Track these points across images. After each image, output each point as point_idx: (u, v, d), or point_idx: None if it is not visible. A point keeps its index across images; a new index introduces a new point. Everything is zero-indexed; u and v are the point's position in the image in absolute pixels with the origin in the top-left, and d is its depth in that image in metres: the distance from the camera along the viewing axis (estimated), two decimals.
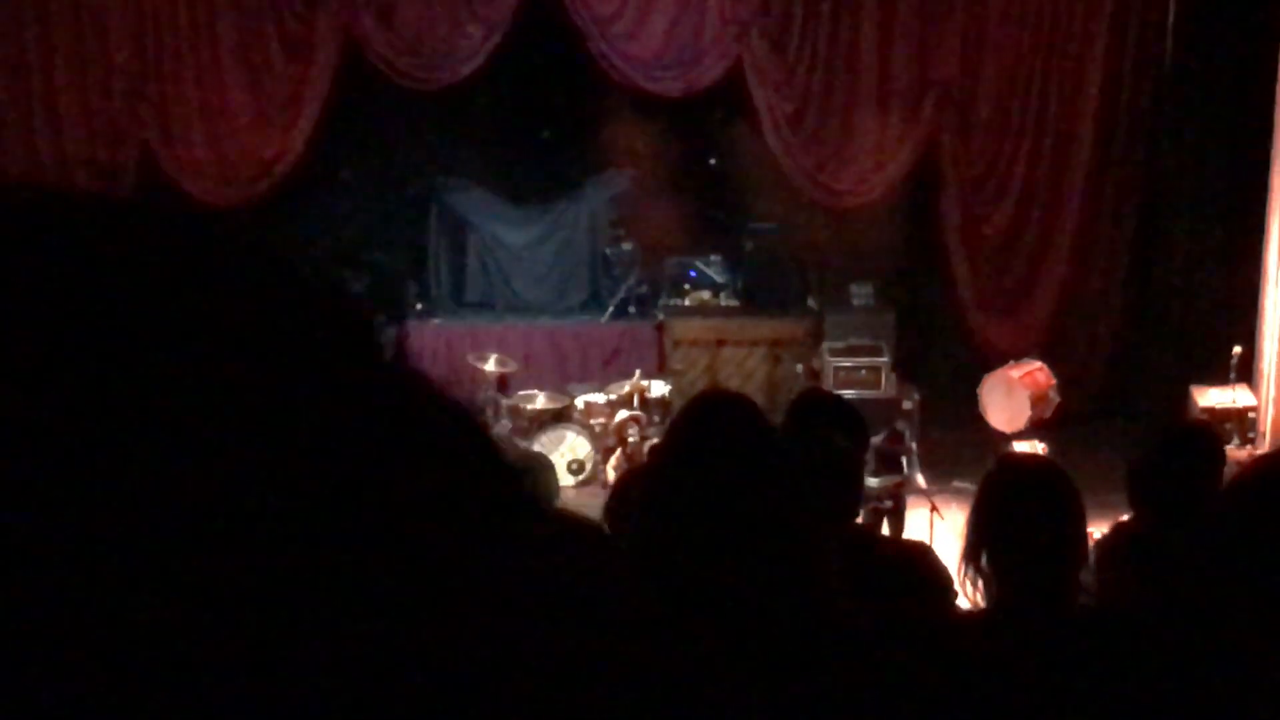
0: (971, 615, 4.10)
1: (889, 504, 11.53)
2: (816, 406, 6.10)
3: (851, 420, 5.86)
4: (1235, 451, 13.65)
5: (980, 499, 4.41)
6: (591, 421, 14.94)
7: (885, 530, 10.22)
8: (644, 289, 18.41)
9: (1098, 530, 7.99)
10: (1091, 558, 5.43)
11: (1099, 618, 4.21)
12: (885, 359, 16.57)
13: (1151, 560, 5.22)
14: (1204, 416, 14.21)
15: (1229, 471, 5.65)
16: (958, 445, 15.05)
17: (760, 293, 18.33)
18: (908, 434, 14.82)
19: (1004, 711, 3.28)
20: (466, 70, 16.91)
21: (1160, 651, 3.54)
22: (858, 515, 5.79)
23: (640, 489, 3.21)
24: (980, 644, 3.51)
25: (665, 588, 2.28)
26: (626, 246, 18.70)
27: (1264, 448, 14.65)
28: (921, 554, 5.36)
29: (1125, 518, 6.37)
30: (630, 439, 14.68)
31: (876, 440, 12.12)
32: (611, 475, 14.20)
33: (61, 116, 16.71)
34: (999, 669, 3.44)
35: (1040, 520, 4.18)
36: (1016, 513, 4.22)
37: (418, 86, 17.04)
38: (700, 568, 2.41)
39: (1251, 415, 14.71)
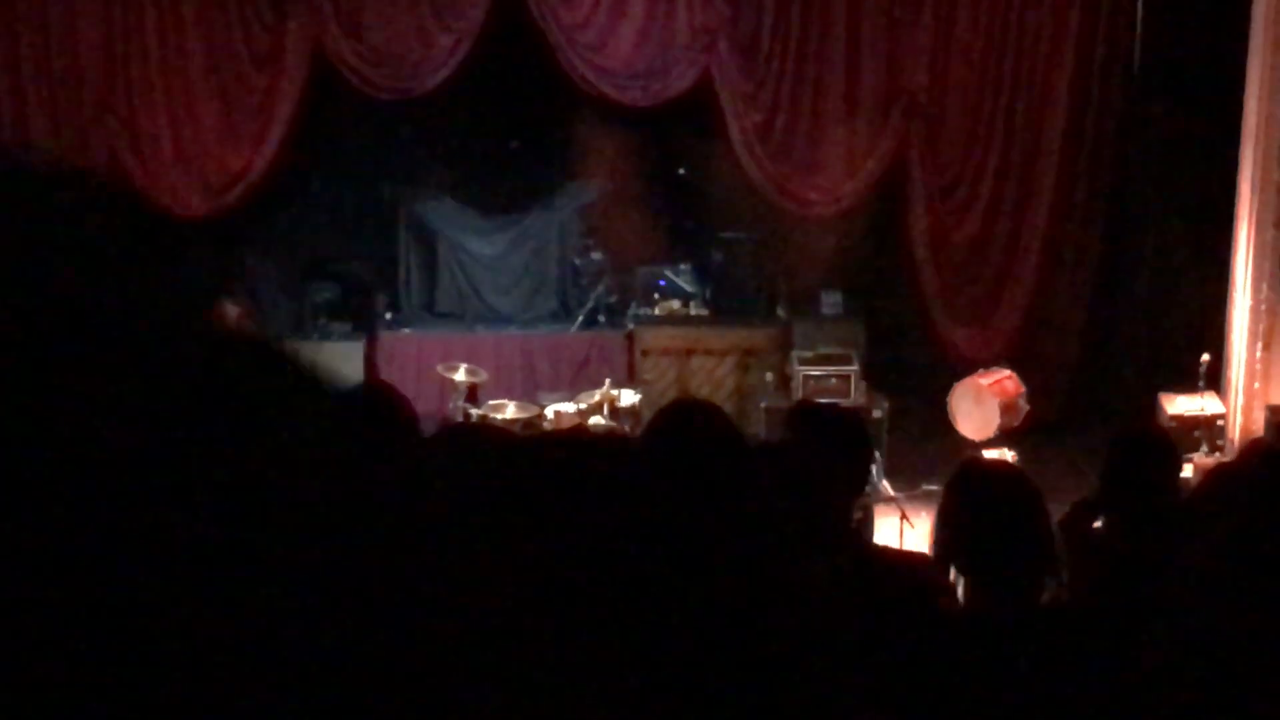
0: (947, 618, 4.12)
1: (859, 515, 11.54)
2: (814, 417, 6.04)
3: (854, 432, 5.79)
4: (1204, 459, 13.73)
5: (946, 505, 4.44)
6: None
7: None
8: (613, 298, 18.43)
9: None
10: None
11: (1067, 616, 4.24)
12: (854, 367, 16.60)
13: (1116, 561, 5.26)
14: (1172, 424, 14.26)
15: (1196, 478, 5.75)
16: (927, 453, 15.07)
17: (729, 302, 18.37)
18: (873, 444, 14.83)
19: (978, 711, 3.30)
20: (435, 80, 16.90)
21: (1126, 649, 3.57)
22: (865, 486, 5.84)
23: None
24: (956, 645, 3.54)
25: (628, 596, 2.29)
26: (596, 256, 18.71)
27: (1232, 455, 14.71)
28: (923, 563, 5.32)
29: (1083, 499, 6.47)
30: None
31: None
32: None
33: (29, 127, 16.65)
34: (974, 669, 3.46)
35: (1006, 524, 4.20)
36: (983, 518, 4.24)
37: (387, 97, 17.03)
38: (671, 575, 2.41)
39: (1220, 423, 14.77)
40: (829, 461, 4.85)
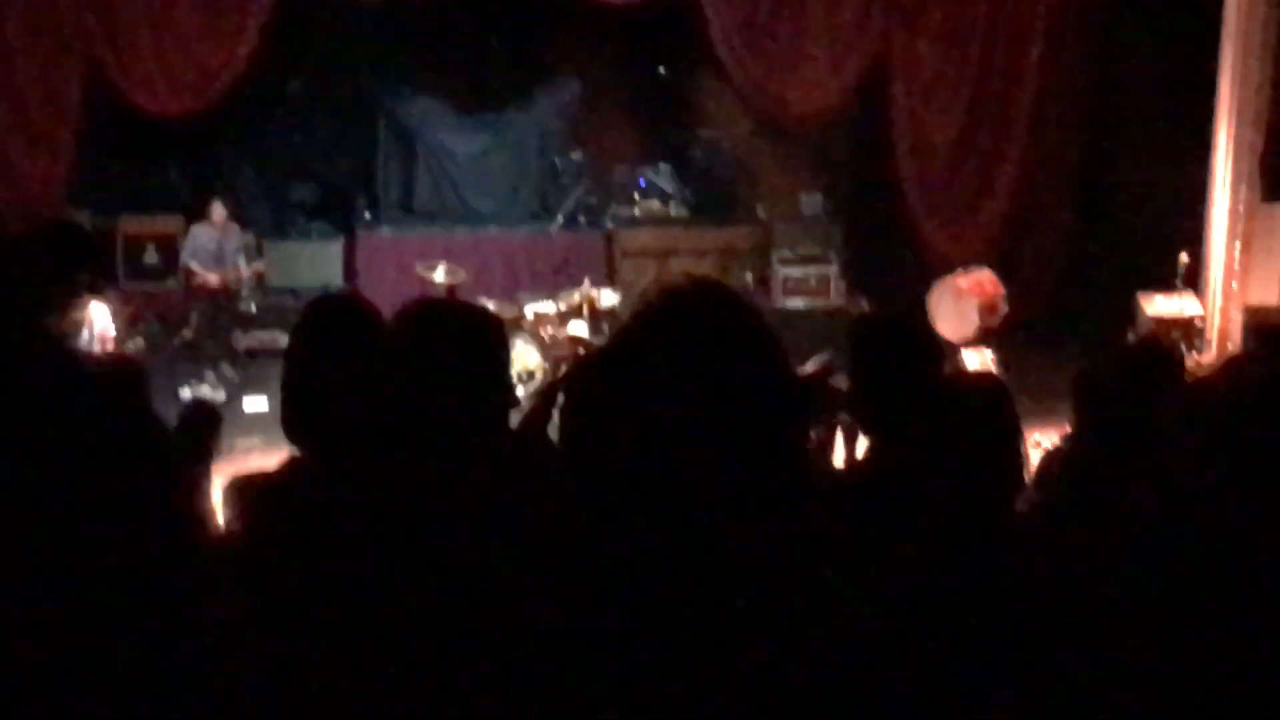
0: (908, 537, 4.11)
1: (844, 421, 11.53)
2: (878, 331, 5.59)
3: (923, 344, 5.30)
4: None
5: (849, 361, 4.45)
6: (541, 332, 14.92)
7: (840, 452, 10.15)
8: (593, 199, 18.41)
9: (1045, 439, 8.06)
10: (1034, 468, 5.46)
11: (1034, 530, 4.25)
12: (834, 268, 16.63)
13: (1088, 478, 5.22)
14: (1151, 325, 14.29)
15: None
16: None
17: (709, 203, 18.35)
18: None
19: (937, 626, 3.31)
20: None
21: (1088, 564, 3.58)
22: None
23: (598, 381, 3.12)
24: (913, 559, 3.54)
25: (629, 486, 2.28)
26: (575, 156, 18.67)
27: (1210, 356, 14.75)
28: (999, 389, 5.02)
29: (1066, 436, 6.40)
30: (581, 351, 14.67)
31: (820, 358, 12.14)
32: None
33: (4, 27, 16.50)
34: (934, 582, 3.47)
35: (896, 377, 4.24)
36: (875, 371, 4.27)
37: None
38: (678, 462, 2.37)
39: (1198, 323, 14.80)
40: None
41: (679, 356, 2.28)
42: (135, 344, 14.16)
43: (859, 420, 4.36)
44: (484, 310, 4.12)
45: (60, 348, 4.04)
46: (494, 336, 3.85)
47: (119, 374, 4.63)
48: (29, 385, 3.47)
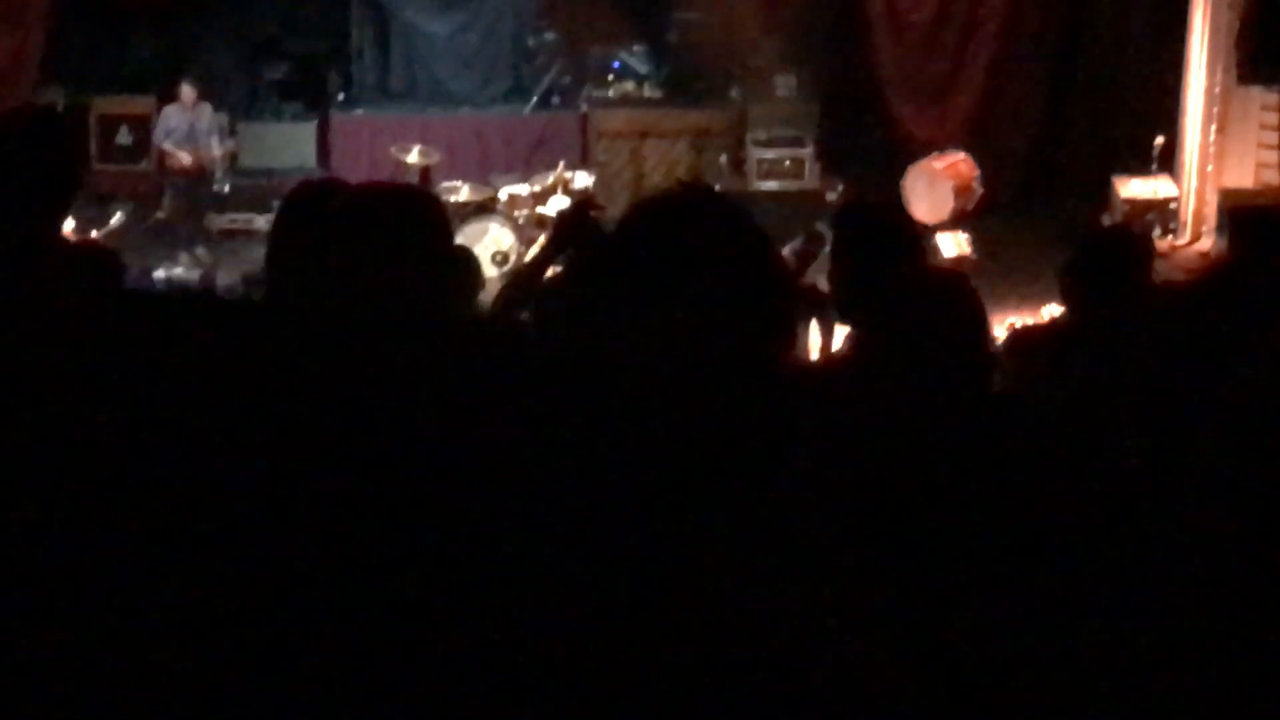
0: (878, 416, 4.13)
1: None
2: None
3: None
4: (1157, 242, 13.79)
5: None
6: (515, 213, 14.88)
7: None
8: (567, 80, 18.31)
9: (1019, 319, 8.11)
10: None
11: (1007, 407, 4.27)
12: (809, 150, 16.60)
13: (1066, 356, 5.25)
14: (1125, 208, 14.32)
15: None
16: None
17: (684, 84, 18.26)
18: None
19: (925, 512, 3.34)
20: None
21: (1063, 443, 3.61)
22: None
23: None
24: (895, 446, 3.56)
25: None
26: (550, 36, 18.55)
27: (1185, 238, 14.79)
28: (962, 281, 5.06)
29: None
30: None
31: (794, 246, 12.16)
32: None
33: None
34: (918, 467, 3.49)
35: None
36: (924, 312, 4.27)
37: None
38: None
39: (1173, 206, 14.82)
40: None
41: (669, 265, 2.27)
42: (110, 226, 14.05)
43: (840, 311, 4.37)
44: (411, 190, 4.11)
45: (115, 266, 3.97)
46: (427, 216, 3.84)
47: (97, 264, 4.60)
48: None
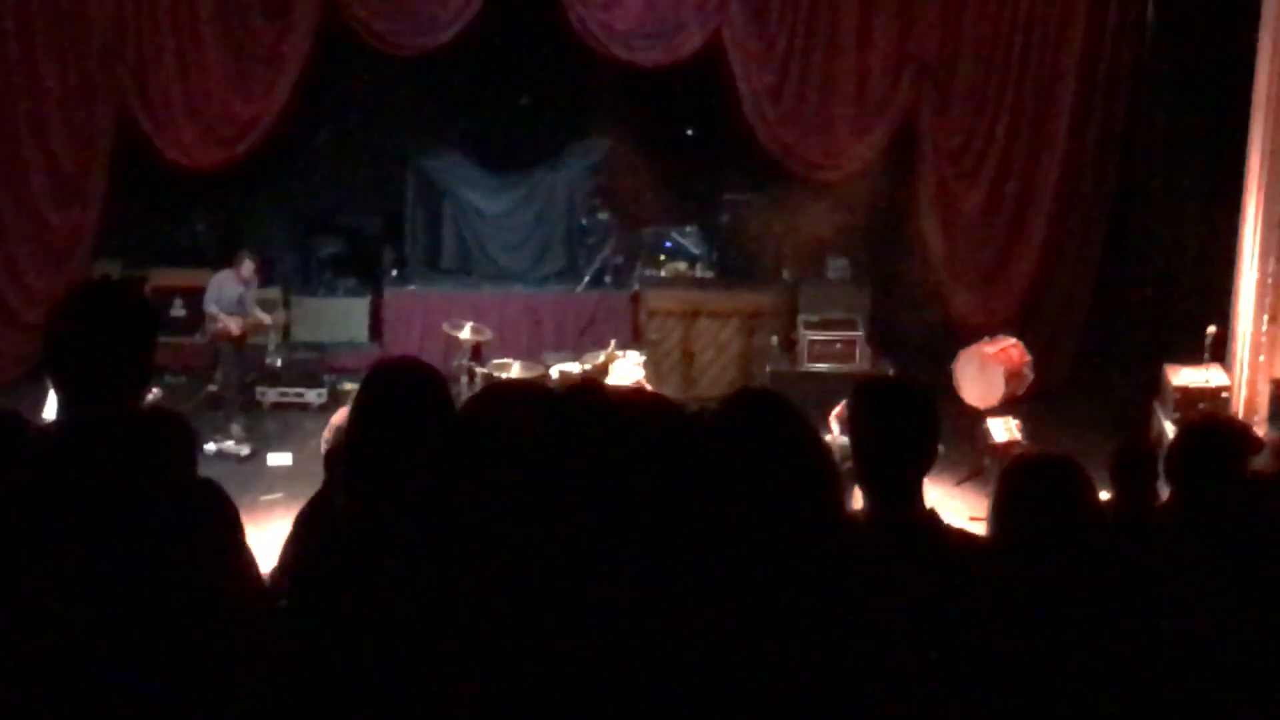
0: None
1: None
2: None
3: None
4: None
5: (1000, 494, 4.59)
6: None
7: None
8: (620, 259, 18.42)
9: None
10: None
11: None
12: (860, 333, 16.61)
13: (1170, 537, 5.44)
14: (1177, 396, 14.24)
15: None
16: None
17: (736, 264, 18.35)
18: None
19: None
20: (446, 36, 16.77)
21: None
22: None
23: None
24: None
25: None
26: (603, 216, 18.70)
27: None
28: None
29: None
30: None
31: (841, 409, 12.19)
32: None
33: (37, 73, 16.59)
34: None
35: (1061, 513, 4.47)
36: (1037, 508, 4.42)
37: (396, 51, 16.92)
38: None
39: (1224, 395, 14.73)
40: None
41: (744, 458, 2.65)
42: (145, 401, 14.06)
43: (859, 474, 4.40)
44: (416, 365, 4.22)
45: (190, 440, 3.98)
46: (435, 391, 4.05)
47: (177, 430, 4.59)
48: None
